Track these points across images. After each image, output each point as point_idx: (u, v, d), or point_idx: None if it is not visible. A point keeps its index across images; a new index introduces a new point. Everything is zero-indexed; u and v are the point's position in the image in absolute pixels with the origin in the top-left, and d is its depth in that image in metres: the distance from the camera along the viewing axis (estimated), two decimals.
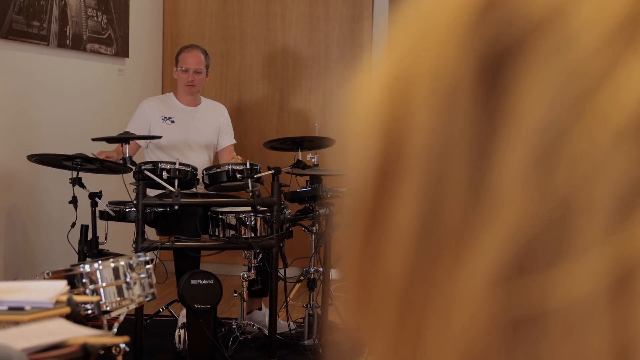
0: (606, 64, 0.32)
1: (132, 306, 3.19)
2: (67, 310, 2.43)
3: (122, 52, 5.53)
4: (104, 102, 5.35)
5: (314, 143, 4.49)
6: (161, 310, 4.78)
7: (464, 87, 0.34)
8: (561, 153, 0.32)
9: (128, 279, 3.12)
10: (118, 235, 4.67)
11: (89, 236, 4.24)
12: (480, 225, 0.33)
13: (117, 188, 4.71)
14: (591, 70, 0.32)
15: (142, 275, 3.19)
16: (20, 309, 2.39)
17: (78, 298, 2.57)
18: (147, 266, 3.22)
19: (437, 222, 0.34)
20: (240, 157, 4.58)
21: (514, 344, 0.32)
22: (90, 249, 4.21)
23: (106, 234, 4.32)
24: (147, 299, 3.24)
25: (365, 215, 0.39)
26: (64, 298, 2.48)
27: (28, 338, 1.93)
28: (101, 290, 3.10)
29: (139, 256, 3.21)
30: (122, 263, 3.13)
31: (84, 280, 3.07)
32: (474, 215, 0.33)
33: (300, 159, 4.33)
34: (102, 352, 2.06)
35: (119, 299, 3.12)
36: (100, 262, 3.13)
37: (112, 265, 3.13)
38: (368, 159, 0.38)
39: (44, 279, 3.06)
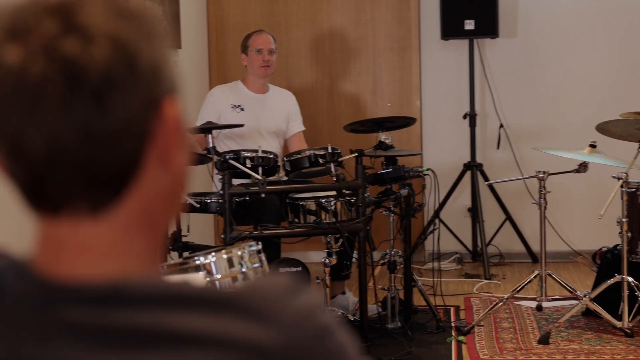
0: None
1: None
2: None
3: (176, 43, 5.46)
4: None
5: (395, 123, 4.43)
6: None
7: None
8: None
9: (244, 269, 3.07)
10: (197, 227, 4.61)
11: (172, 229, 4.18)
12: None
13: (192, 179, 4.65)
14: None
15: (256, 265, 3.13)
16: None
17: None
18: (260, 255, 3.17)
19: None
20: None
21: None
22: (174, 241, 4.16)
23: (188, 226, 4.26)
24: None
25: None
26: None
27: None
28: (217, 282, 3.05)
29: (251, 245, 3.15)
30: (238, 253, 3.08)
31: (200, 273, 3.02)
32: None
33: (381, 140, 4.27)
34: None
35: None
36: (213, 253, 3.07)
37: (225, 256, 3.08)
38: None
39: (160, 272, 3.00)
